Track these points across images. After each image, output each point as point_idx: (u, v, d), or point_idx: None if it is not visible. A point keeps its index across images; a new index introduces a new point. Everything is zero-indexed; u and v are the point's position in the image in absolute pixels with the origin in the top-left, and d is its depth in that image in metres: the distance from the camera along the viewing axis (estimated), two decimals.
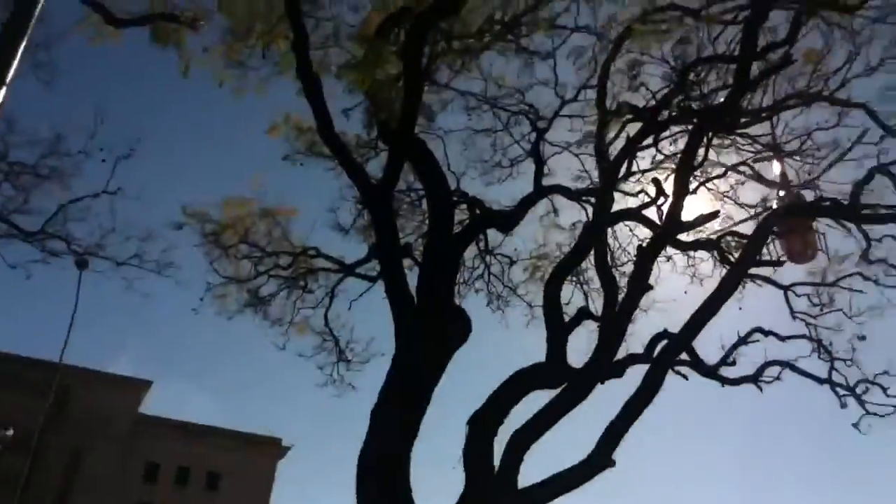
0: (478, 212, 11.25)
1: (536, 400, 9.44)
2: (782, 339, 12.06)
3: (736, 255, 11.10)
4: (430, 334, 9.03)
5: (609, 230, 11.24)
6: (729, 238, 11.57)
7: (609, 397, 10.22)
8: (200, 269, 12.60)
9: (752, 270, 11.43)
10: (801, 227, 10.87)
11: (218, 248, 12.33)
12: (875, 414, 12.26)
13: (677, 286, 12.17)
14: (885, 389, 12.23)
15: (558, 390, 9.43)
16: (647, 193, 11.36)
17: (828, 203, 10.48)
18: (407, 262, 10.52)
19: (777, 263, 11.01)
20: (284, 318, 12.97)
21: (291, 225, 12.68)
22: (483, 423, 8.82)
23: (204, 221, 12.21)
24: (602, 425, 9.53)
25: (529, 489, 8.66)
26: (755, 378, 11.80)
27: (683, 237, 11.26)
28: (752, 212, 11.38)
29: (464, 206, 11.43)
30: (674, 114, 10.12)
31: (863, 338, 12.32)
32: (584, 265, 11.13)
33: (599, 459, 9.58)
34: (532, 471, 9.11)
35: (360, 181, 9.62)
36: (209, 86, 9.92)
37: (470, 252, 12.08)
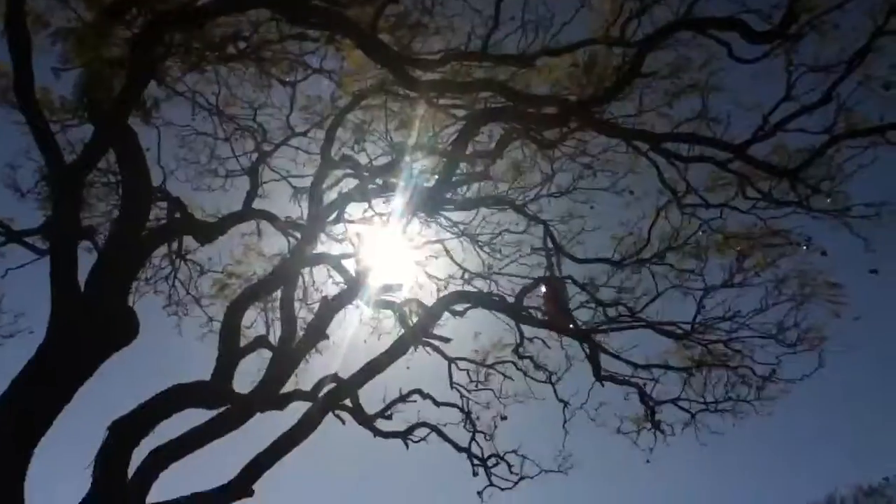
0: (178, 215, 11.53)
1: (192, 417, 9.87)
2: (437, 404, 13.96)
3: (415, 320, 12.77)
4: (88, 329, 8.95)
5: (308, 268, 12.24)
6: (413, 304, 13.25)
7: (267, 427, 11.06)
8: None
9: (429, 340, 13.25)
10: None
11: None
12: (497, 486, 14.74)
13: (359, 333, 13.48)
14: (510, 466, 14.75)
15: (215, 412, 9.98)
16: (351, 243, 12.65)
17: (496, 298, 12.69)
18: (87, 244, 10.39)
19: (445, 339, 12.92)
20: None
21: None
22: (124, 431, 8.88)
23: None
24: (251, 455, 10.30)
25: None
26: (405, 435, 13.50)
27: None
28: (436, 286, 13.20)
29: (164, 204, 11.62)
30: (389, 181, 11.60)
31: (504, 418, 14.78)
32: (273, 294, 11.90)
33: (238, 487, 10.27)
34: (170, 490, 9.49)
35: (49, 153, 9.24)
36: None
37: (159, 250, 12.21)
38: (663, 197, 11.66)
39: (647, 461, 14.30)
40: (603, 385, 13.84)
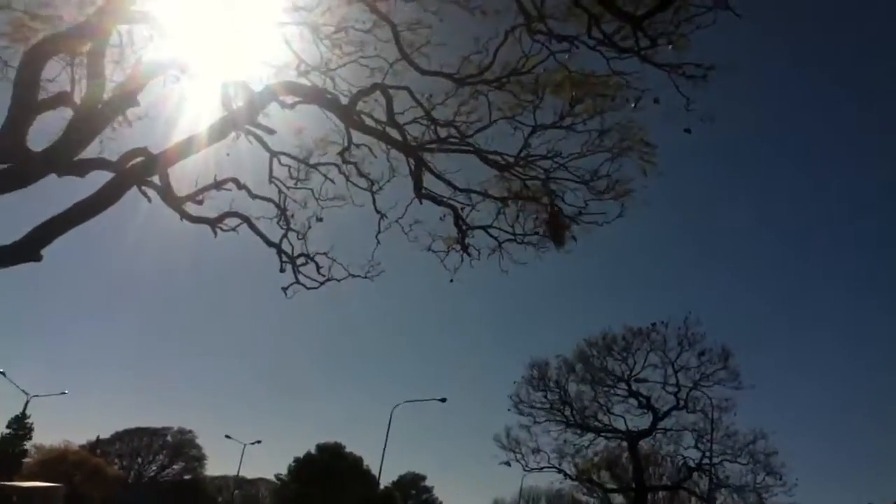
0: None
1: None
2: (253, 196, 13.82)
3: (240, 104, 12.14)
4: None
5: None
6: (241, 87, 12.55)
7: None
8: None
9: (252, 129, 12.76)
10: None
11: None
12: (303, 285, 15.15)
13: (178, 110, 12.73)
14: (318, 267, 15.17)
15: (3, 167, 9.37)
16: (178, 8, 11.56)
17: (330, 96, 12.33)
18: None
19: (269, 131, 12.54)
20: None
21: None
22: None
23: None
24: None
25: None
26: (214, 222, 13.31)
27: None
28: (268, 73, 12.53)
29: None
30: None
31: (319, 219, 14.98)
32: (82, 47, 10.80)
33: (26, 249, 9.82)
34: None
35: None
36: None
37: None
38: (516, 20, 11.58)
39: (451, 280, 15.30)
40: (421, 203, 14.36)
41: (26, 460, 71.18)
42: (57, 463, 67.04)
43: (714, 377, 39.43)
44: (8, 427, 68.82)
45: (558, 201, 14.60)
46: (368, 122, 12.96)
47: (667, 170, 14.45)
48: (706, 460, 39.52)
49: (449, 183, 14.22)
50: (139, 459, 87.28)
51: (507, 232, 15.01)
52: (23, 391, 59.26)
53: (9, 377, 56.70)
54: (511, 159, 13.95)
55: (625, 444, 42.56)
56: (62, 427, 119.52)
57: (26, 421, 68.91)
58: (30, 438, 72.81)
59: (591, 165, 14.09)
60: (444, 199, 14.43)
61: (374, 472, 63.65)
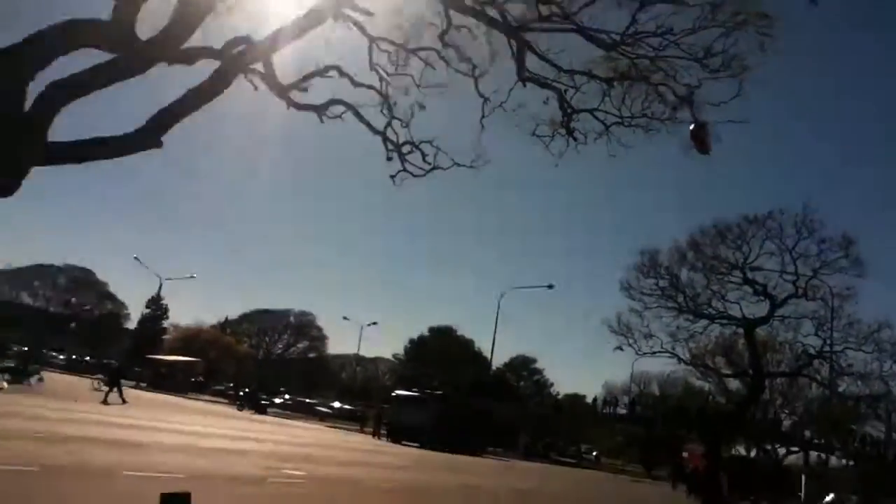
0: None
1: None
2: (355, 84, 13.85)
3: None
4: None
5: None
6: None
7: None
8: None
9: (349, 12, 12.64)
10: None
11: None
12: (410, 173, 15.32)
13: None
14: (424, 155, 15.24)
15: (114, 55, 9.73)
16: None
17: None
18: None
19: (367, 13, 12.40)
20: None
21: None
22: (11, 62, 8.66)
23: None
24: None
25: (60, 143, 8.93)
26: (320, 110, 13.53)
27: None
28: None
29: None
30: None
31: (423, 107, 14.93)
32: None
33: (146, 136, 10.36)
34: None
35: None
36: None
37: None
38: None
39: (556, 165, 15.14)
40: (525, 86, 14.03)
41: (165, 337, 78.12)
42: (192, 340, 73.25)
43: (835, 265, 37.64)
44: (147, 307, 75.42)
45: (670, 80, 13.94)
46: (468, 2, 12.60)
47: (785, 50, 13.43)
48: (827, 348, 38.51)
49: (553, 64, 13.78)
50: (266, 339, 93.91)
51: (613, 115, 14.54)
52: (156, 275, 64.35)
53: (142, 262, 61.43)
54: (617, 38, 13.30)
55: (740, 330, 41.75)
56: (192, 309, 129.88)
57: (161, 302, 75.24)
58: (167, 318, 79.71)
59: (704, 42, 13.28)
60: (548, 82, 14.05)
61: (486, 354, 65.90)
